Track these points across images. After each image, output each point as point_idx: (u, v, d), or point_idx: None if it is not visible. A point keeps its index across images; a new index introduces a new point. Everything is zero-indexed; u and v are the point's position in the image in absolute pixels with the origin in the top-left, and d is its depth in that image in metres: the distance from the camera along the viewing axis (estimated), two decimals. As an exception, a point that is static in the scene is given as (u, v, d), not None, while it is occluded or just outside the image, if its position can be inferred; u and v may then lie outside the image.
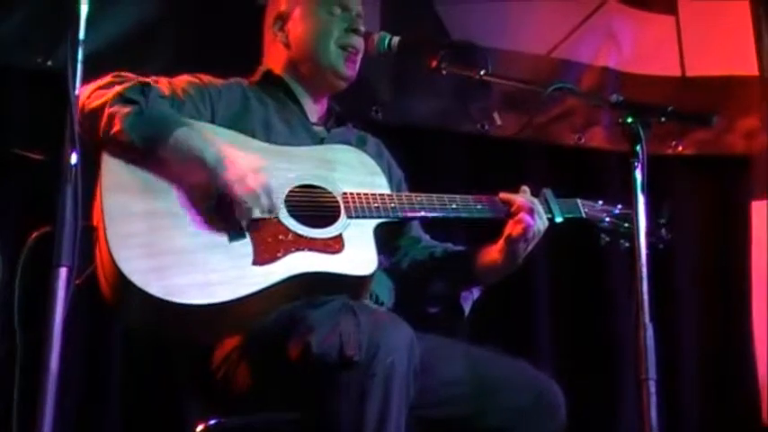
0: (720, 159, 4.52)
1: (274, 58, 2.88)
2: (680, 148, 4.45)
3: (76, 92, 1.86)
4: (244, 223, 2.44)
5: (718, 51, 4.51)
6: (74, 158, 1.84)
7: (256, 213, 2.45)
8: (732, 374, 4.39)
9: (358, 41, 2.81)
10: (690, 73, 4.50)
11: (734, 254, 4.49)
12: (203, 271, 2.36)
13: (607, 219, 2.86)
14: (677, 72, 4.50)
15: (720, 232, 4.52)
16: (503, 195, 2.74)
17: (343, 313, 2.30)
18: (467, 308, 2.82)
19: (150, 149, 2.43)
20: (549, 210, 2.74)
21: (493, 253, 2.74)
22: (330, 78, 2.84)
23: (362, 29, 2.83)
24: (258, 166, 2.48)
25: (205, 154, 2.44)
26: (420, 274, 2.82)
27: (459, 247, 2.88)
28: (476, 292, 2.85)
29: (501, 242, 2.71)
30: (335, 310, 2.33)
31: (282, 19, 2.86)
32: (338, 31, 2.81)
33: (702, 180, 4.57)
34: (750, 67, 4.50)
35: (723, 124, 4.40)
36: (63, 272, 1.77)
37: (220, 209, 2.45)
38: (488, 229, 2.76)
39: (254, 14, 3.71)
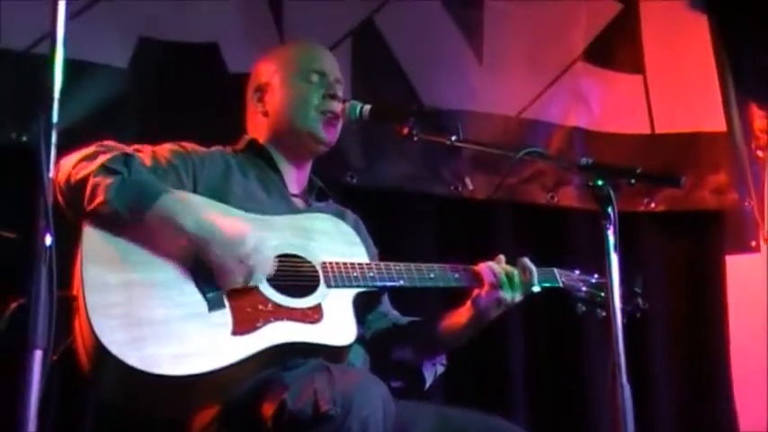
0: (692, 215, 4.55)
1: (256, 129, 2.92)
2: (652, 206, 4.48)
3: (50, 174, 1.86)
4: (225, 290, 2.45)
5: (687, 108, 4.58)
6: (48, 239, 1.83)
7: (238, 282, 2.46)
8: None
9: (337, 106, 2.84)
10: (659, 130, 4.56)
11: (708, 308, 4.50)
12: (181, 342, 2.36)
13: (584, 288, 2.90)
14: (647, 130, 4.56)
15: (694, 287, 4.54)
16: (476, 268, 2.78)
17: (317, 371, 2.32)
18: (429, 378, 2.84)
19: (134, 218, 2.44)
20: (527, 281, 2.77)
21: (458, 314, 2.79)
22: (310, 143, 2.87)
23: (341, 94, 2.87)
24: (243, 233, 2.49)
25: (187, 222, 2.45)
26: (382, 343, 2.84)
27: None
28: (440, 366, 2.88)
29: (468, 302, 2.76)
30: (310, 370, 2.35)
31: (261, 90, 2.91)
32: (317, 97, 2.84)
33: (674, 236, 4.59)
34: (718, 124, 4.57)
35: (693, 180, 4.45)
36: (38, 354, 1.76)
37: (200, 277, 2.46)
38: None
39: (228, 83, 3.77)
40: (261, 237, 2.53)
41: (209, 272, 2.47)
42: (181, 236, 2.46)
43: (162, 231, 2.46)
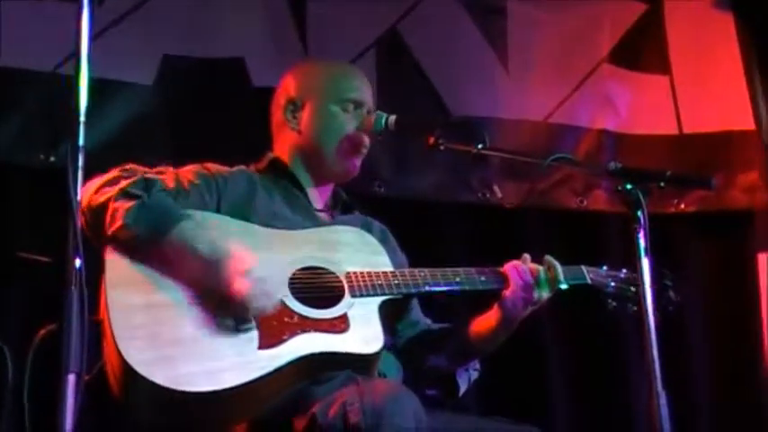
0: (723, 215, 4.50)
1: (282, 144, 2.91)
2: (682, 206, 4.44)
3: (78, 197, 1.87)
4: (249, 316, 2.44)
5: (715, 108, 4.52)
6: (77, 263, 1.84)
7: (253, 314, 2.44)
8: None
9: (368, 141, 2.87)
10: (687, 130, 4.51)
11: (742, 307, 4.45)
12: (209, 358, 2.37)
13: (612, 284, 2.88)
14: (675, 130, 4.50)
15: (727, 287, 4.48)
16: (502, 269, 2.78)
17: (346, 384, 2.33)
18: (463, 386, 2.83)
19: (152, 243, 2.45)
20: (553, 277, 2.75)
21: (487, 317, 2.78)
22: (337, 172, 2.89)
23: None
24: (253, 264, 2.45)
25: (202, 250, 2.45)
26: (415, 351, 2.83)
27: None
28: (473, 372, 2.87)
29: (495, 306, 2.75)
30: (339, 383, 2.37)
31: (295, 105, 2.89)
32: (351, 128, 2.85)
33: (706, 236, 4.54)
34: (747, 122, 4.52)
35: (723, 180, 4.39)
36: (72, 378, 1.77)
37: (222, 299, 2.45)
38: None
39: (252, 97, 3.79)
40: (276, 253, 2.54)
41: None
42: (196, 261, 2.45)
43: (178, 256, 2.46)
